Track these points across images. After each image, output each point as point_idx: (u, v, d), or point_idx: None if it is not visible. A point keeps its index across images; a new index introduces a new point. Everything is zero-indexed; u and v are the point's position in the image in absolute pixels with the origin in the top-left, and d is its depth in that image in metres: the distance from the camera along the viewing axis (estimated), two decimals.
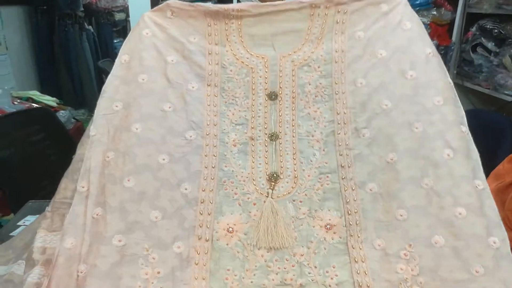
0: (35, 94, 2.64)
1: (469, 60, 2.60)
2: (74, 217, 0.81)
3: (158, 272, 0.80)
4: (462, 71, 2.71)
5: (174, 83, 0.97)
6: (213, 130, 0.96)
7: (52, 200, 0.89)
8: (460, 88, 3.02)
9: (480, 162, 0.87)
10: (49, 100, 2.63)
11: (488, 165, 1.00)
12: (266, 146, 0.96)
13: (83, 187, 0.84)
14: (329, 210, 0.89)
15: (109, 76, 0.98)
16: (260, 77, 1.00)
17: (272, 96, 0.99)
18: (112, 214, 0.83)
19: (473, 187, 0.85)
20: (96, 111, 0.93)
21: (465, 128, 0.89)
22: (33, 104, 2.48)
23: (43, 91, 2.88)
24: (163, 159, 0.91)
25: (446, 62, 2.63)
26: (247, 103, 0.99)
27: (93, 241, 0.80)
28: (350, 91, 0.96)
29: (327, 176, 0.92)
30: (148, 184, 0.87)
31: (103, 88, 0.95)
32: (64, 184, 0.90)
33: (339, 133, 0.95)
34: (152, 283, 0.79)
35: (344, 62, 0.98)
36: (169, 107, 0.95)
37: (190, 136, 0.94)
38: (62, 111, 2.53)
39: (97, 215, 0.82)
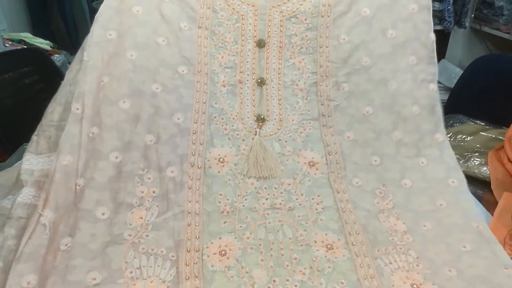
0: (27, 36, 2.39)
1: (489, 2, 2.49)
2: (70, 137, 0.80)
3: (154, 192, 0.83)
4: (481, 15, 2.61)
5: (167, 19, 0.98)
6: (204, 68, 0.99)
7: (39, 125, 0.87)
8: (477, 33, 2.89)
9: (442, 117, 0.99)
10: (43, 43, 2.38)
11: (505, 110, 1.08)
12: (253, 90, 1.01)
13: (77, 109, 0.83)
14: (311, 150, 0.96)
15: (102, 6, 0.96)
16: (250, 24, 1.04)
17: (261, 44, 1.03)
18: (108, 132, 0.83)
19: (434, 140, 0.96)
20: (89, 38, 0.91)
21: (433, 86, 1.00)
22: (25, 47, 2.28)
23: (36, 33, 2.63)
24: (157, 88, 0.92)
25: (464, 4, 2.59)
26: (236, 48, 1.02)
27: (89, 157, 0.80)
28: (333, 45, 1.03)
29: (310, 122, 0.99)
30: (143, 109, 0.88)
31: (96, 16, 0.94)
32: (51, 108, 0.88)
33: (321, 85, 1.02)
34: (148, 201, 0.81)
35: (330, 16, 1.05)
36: (163, 41, 0.96)
37: (182, 71, 0.96)
38: (57, 55, 2.31)
39: (93, 133, 0.82)
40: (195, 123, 0.94)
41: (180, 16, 1.00)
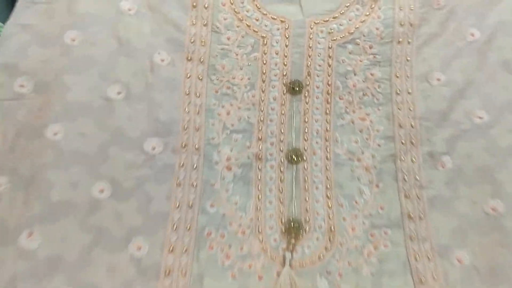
0: None
1: None
2: None
3: None
4: None
5: (130, 48, 0.55)
6: (193, 138, 0.55)
7: None
8: None
9: None
10: None
11: None
12: (281, 172, 0.57)
13: None
14: None
15: (9, 24, 0.53)
16: (277, 53, 0.60)
17: (295, 88, 0.59)
18: None
19: None
20: None
21: None
22: None
23: None
24: (101, 191, 0.49)
25: None
26: (252, 96, 0.58)
27: None
28: (421, 90, 0.59)
29: (385, 232, 0.55)
30: (73, 245, 0.46)
31: None
32: None
33: (403, 159, 0.57)
34: None
35: (412, 43, 0.61)
36: (118, 92, 0.53)
37: (153, 149, 0.53)
38: None
39: None
40: (171, 252, 0.50)
41: (153, 40, 0.57)
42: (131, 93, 0.54)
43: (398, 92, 0.60)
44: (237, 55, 0.59)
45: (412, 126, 0.58)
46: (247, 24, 0.60)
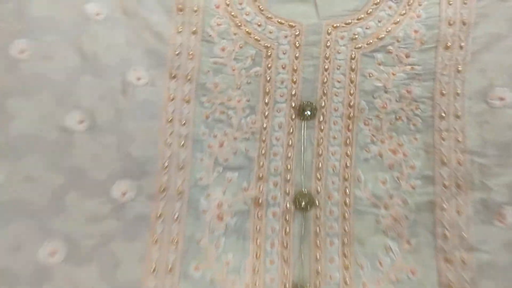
0: None
1: None
2: None
3: None
4: None
5: (96, 64, 0.44)
6: (175, 179, 0.44)
7: None
8: None
9: None
10: None
11: None
12: (286, 221, 0.45)
13: None
14: None
15: None
16: (284, 68, 0.47)
17: (306, 112, 0.46)
18: None
19: None
20: None
21: None
22: None
23: None
24: (52, 254, 0.39)
25: None
26: (252, 123, 0.46)
27: None
28: (475, 114, 0.45)
29: None
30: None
31: None
32: None
33: (445, 209, 0.45)
34: None
35: (466, 47, 0.46)
36: (79, 121, 0.42)
37: (123, 194, 0.42)
38: None
39: None
40: None
41: (128, 53, 0.45)
42: (96, 123, 0.43)
43: (443, 115, 0.46)
44: (233, 70, 0.47)
45: (459, 164, 0.45)
46: (246, 31, 0.47)
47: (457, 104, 0.45)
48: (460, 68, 0.46)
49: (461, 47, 0.46)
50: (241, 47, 0.47)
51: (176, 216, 0.44)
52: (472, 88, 0.45)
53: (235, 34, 0.47)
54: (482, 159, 0.44)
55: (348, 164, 0.46)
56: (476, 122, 0.45)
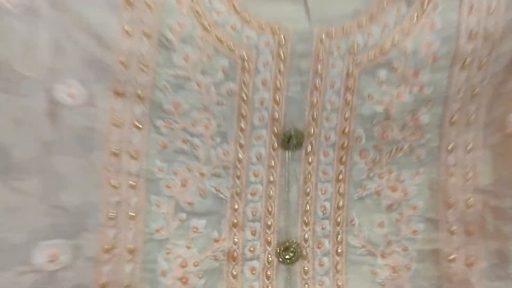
0: None
1: None
2: None
3: None
4: None
5: (9, 76, 0.31)
6: (125, 234, 0.34)
7: None
8: None
9: None
10: None
11: None
12: (267, 278, 0.37)
13: None
14: None
15: None
16: (264, 84, 0.37)
17: (292, 141, 0.37)
18: None
19: None
20: None
21: None
22: None
23: None
24: None
25: None
26: (224, 155, 0.36)
27: None
28: (490, 146, 0.38)
29: None
30: None
31: None
32: None
33: (452, 260, 0.38)
34: None
35: (487, 66, 0.38)
36: None
37: (51, 260, 0.31)
38: None
39: None
40: None
41: (57, 62, 0.33)
42: (10, 161, 0.31)
43: (451, 147, 0.38)
44: (199, 87, 0.36)
45: (469, 206, 0.38)
46: (217, 36, 0.36)
47: (468, 135, 0.38)
48: (476, 91, 0.38)
49: (479, 67, 0.38)
50: (209, 57, 0.36)
51: (127, 283, 0.33)
52: (488, 116, 0.38)
53: (202, 39, 0.36)
54: (496, 200, 0.37)
55: (340, 205, 0.38)
56: (490, 156, 0.38)
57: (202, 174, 0.36)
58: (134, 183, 0.35)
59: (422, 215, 0.39)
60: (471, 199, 0.38)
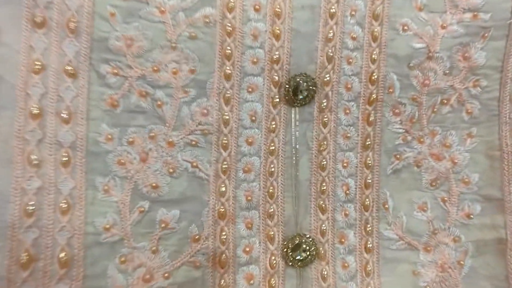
0: None
1: None
2: None
3: None
4: None
5: None
6: (54, 233, 0.21)
7: None
8: None
9: None
10: None
11: None
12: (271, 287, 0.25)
13: None
14: None
15: None
16: (258, 11, 0.25)
17: (300, 93, 0.26)
18: None
19: None
20: None
21: None
22: None
23: None
24: None
25: None
26: (201, 114, 0.24)
27: None
28: None
29: None
30: None
31: None
32: None
33: None
34: None
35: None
36: None
37: None
38: None
39: None
40: None
41: None
42: None
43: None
44: (162, 13, 0.24)
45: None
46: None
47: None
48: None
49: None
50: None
51: None
52: None
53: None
54: None
55: (369, 182, 0.27)
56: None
57: (170, 144, 0.25)
58: (67, 159, 0.23)
59: (478, 193, 0.28)
60: None
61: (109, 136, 0.24)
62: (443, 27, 0.27)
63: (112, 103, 0.24)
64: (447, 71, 0.28)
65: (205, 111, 0.25)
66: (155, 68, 0.24)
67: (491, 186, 0.28)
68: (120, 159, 0.24)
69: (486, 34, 0.27)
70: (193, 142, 0.25)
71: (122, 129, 0.24)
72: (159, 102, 0.25)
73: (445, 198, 0.28)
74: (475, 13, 0.27)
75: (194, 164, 0.25)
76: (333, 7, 0.26)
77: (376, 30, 0.27)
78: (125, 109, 0.24)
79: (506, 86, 0.28)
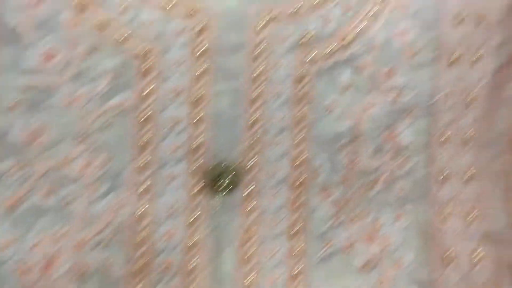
0: None
1: None
2: None
3: None
4: None
5: None
6: None
7: None
8: None
9: None
10: None
11: None
12: None
13: None
14: None
15: None
16: (177, 95, 0.24)
17: (223, 181, 0.24)
18: None
19: None
20: None
21: None
22: None
23: None
24: None
25: None
26: (114, 209, 0.22)
27: None
28: (507, 170, 0.28)
29: None
30: None
31: None
32: None
33: None
34: None
35: (484, 59, 0.28)
36: None
37: None
38: None
39: None
40: None
41: None
42: None
43: (443, 177, 0.27)
44: (71, 102, 0.22)
45: (474, 261, 0.27)
46: (97, 23, 0.23)
47: (466, 158, 0.28)
48: (472, 96, 0.27)
49: (474, 63, 0.27)
50: (87, 54, 0.23)
51: None
52: (492, 130, 0.28)
53: (75, 25, 0.22)
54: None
55: (295, 273, 0.26)
56: (500, 187, 0.27)
57: (80, 244, 0.22)
58: None
59: (411, 275, 0.27)
60: (478, 250, 0.27)
61: (8, 243, 0.21)
62: (368, 107, 0.27)
63: (12, 204, 0.22)
64: (374, 152, 0.27)
65: (119, 204, 0.23)
66: (63, 162, 0.22)
67: (424, 268, 0.28)
68: (20, 269, 0.21)
69: (410, 113, 0.27)
70: (106, 240, 0.23)
71: (24, 232, 0.22)
72: (68, 199, 0.22)
73: (379, 281, 0.28)
74: (399, 92, 0.27)
75: (107, 265, 0.23)
76: (256, 90, 0.26)
77: (300, 112, 0.26)
78: (27, 210, 0.22)
79: (432, 165, 0.28)
